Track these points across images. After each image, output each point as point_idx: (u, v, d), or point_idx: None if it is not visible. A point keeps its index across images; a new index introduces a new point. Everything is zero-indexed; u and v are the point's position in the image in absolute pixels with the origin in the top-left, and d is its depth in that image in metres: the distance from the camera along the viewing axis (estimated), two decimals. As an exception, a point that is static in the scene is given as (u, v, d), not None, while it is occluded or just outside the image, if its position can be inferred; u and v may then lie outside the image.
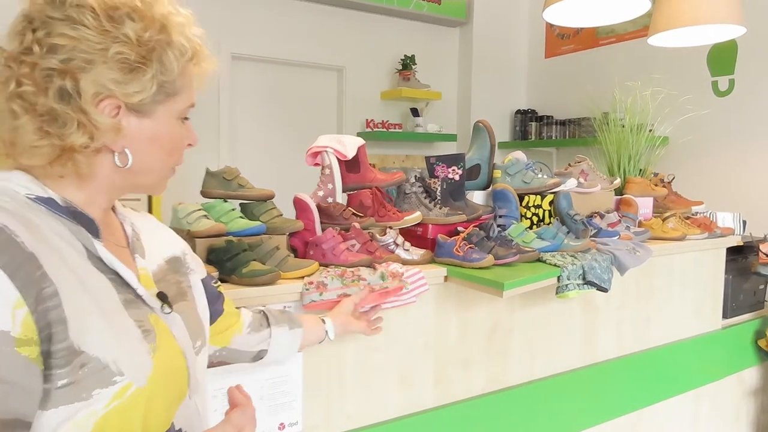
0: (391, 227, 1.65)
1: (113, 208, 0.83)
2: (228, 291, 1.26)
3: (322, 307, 1.32)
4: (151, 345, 0.72)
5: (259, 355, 1.08)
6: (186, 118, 0.82)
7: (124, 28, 0.70)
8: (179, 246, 0.92)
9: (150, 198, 2.73)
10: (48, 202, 0.70)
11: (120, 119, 0.74)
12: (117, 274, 0.73)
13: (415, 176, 1.84)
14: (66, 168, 0.71)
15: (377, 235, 1.62)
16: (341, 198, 1.73)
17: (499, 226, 1.80)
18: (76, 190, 0.73)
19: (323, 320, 1.21)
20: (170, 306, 0.79)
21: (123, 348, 0.69)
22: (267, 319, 1.10)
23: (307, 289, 1.33)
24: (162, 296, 0.79)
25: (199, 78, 0.80)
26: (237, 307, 1.09)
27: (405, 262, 1.56)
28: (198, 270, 0.93)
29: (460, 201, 1.89)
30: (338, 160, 1.73)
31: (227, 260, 1.32)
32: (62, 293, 0.64)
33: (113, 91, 0.72)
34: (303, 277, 1.37)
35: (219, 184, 1.54)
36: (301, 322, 1.16)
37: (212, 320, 0.97)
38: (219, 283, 1.00)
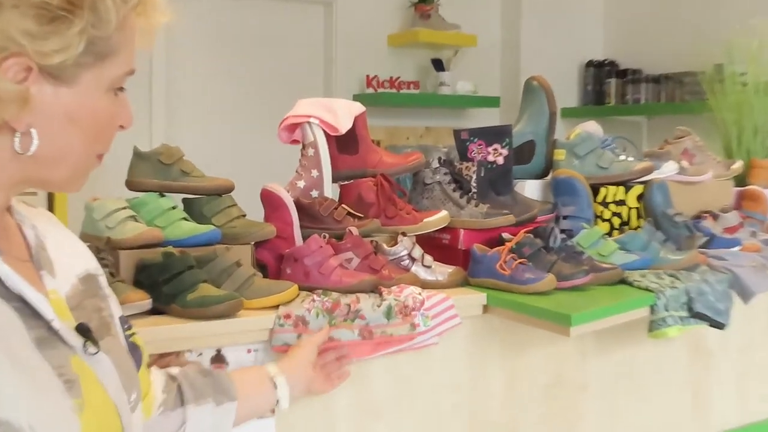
0: (404, 233, 1.65)
1: (9, 208, 0.83)
2: (164, 328, 1.26)
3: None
4: (76, 400, 0.75)
5: None
6: (120, 89, 0.83)
7: None
8: (91, 260, 0.93)
9: (51, 192, 2.76)
10: None
11: (28, 86, 0.74)
12: (23, 300, 0.75)
13: (440, 159, 1.84)
14: None
15: (384, 246, 1.62)
16: (331, 191, 1.73)
17: (563, 231, 1.80)
18: None
19: (274, 380, 1.20)
20: (95, 343, 0.80)
21: (41, 407, 0.70)
22: (181, 391, 1.08)
23: (280, 325, 1.34)
24: (83, 330, 0.79)
25: (144, 34, 0.81)
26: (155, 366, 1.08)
27: (425, 285, 1.56)
28: (114, 299, 0.94)
29: (506, 195, 1.88)
30: (326, 135, 1.73)
31: (164, 282, 1.33)
32: None
33: (24, 47, 0.72)
34: (277, 306, 1.38)
35: (153, 171, 1.54)
36: (237, 389, 1.13)
37: None
38: (134, 332, 0.96)
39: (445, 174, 1.80)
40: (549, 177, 2.02)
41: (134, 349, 0.95)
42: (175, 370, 1.12)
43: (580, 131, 2.02)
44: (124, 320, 0.95)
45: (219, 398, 1.10)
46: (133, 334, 0.96)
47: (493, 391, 1.60)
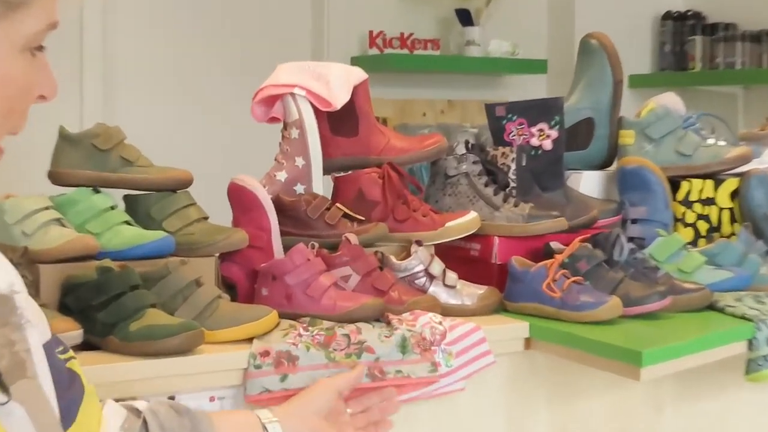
0: (419, 242, 1.65)
1: None
2: (98, 368, 1.26)
3: (280, 402, 1.31)
4: None
5: None
6: (39, 49, 0.84)
7: None
8: (4, 275, 0.93)
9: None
10: None
11: None
12: None
13: (467, 143, 1.84)
14: None
15: (392, 259, 1.62)
16: (322, 185, 1.74)
17: (631, 239, 1.79)
18: None
19: (265, 427, 1.19)
20: (5, 390, 0.81)
21: None
22: (146, 429, 1.07)
23: (257, 366, 1.34)
24: None
25: None
26: (101, 400, 1.08)
27: (448, 311, 1.56)
28: (38, 324, 0.93)
29: (555, 191, 1.88)
30: (316, 111, 1.74)
31: (100, 307, 1.33)
32: None
33: None
34: (251, 340, 1.38)
35: (85, 159, 1.55)
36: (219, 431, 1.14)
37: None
38: (71, 357, 0.97)
39: (475, 163, 1.80)
40: (613, 167, 2.02)
41: (72, 379, 0.95)
42: (141, 404, 1.12)
43: (654, 106, 2.02)
44: (57, 342, 0.95)
45: None
46: (70, 358, 0.96)
47: (537, 453, 1.60)
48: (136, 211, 1.55)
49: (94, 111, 3.52)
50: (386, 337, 1.41)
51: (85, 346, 1.31)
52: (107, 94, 3.65)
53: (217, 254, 1.55)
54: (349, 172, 1.77)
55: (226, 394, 1.35)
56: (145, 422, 1.09)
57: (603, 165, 2.04)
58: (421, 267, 1.60)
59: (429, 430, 1.50)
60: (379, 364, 1.39)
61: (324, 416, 1.27)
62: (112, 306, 1.32)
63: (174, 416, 1.11)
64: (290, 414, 1.24)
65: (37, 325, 0.93)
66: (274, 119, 1.77)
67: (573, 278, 1.59)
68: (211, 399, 1.34)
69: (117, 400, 1.12)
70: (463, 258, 1.76)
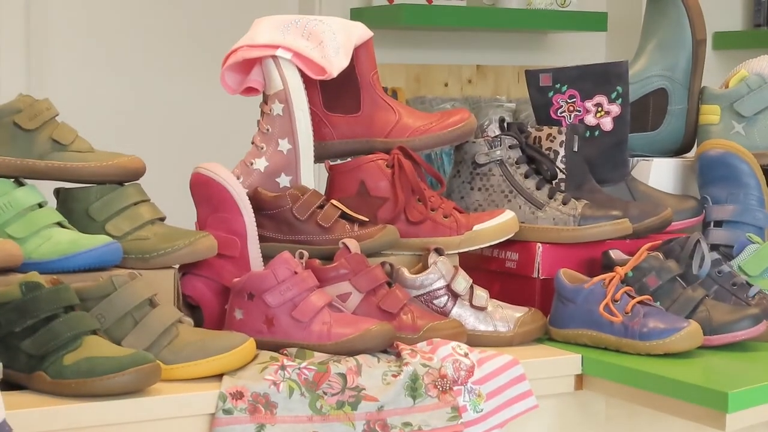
0: (440, 250, 1.66)
1: None
2: (23, 414, 1.26)
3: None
4: None
5: None
6: None
7: None
8: None
9: None
10: None
11: None
12: None
13: (502, 122, 1.85)
14: None
15: (405, 272, 1.62)
16: (312, 177, 1.74)
17: (715, 247, 1.79)
18: None
19: None
20: None
21: None
22: None
23: (226, 411, 1.34)
24: None
25: None
26: None
27: (477, 341, 1.57)
28: None
29: (617, 184, 1.88)
30: (306, 80, 1.75)
31: (25, 334, 1.33)
32: None
33: None
34: (220, 377, 1.38)
35: (3, 141, 1.55)
36: None
37: None
38: None
39: (512, 147, 1.80)
40: (692, 153, 2.02)
41: None
42: None
43: (746, 74, 2.02)
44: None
45: None
46: None
47: None
48: (72, 210, 1.55)
49: (15, 79, 3.51)
50: (393, 376, 1.42)
51: (5, 384, 1.31)
52: (32, 56, 3.64)
53: (177, 266, 1.55)
54: (349, 159, 1.78)
55: (188, 450, 1.35)
56: None
57: (679, 150, 2.04)
58: (441, 283, 1.60)
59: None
60: (383, 416, 1.39)
61: None
62: (41, 333, 1.32)
63: None
64: None
65: None
66: (250, 90, 1.78)
67: (639, 298, 1.59)
68: (169, 454, 1.34)
69: None
70: (497, 271, 1.77)
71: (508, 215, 1.72)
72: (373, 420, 1.39)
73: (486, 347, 1.54)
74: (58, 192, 1.60)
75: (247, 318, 1.49)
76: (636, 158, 1.98)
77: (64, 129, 1.59)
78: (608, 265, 1.69)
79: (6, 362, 1.31)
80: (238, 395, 1.35)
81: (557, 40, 4.35)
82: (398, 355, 1.46)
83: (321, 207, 1.65)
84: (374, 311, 1.53)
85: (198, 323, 1.53)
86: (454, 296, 1.61)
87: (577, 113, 1.87)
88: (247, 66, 1.76)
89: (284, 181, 1.71)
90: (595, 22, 4.18)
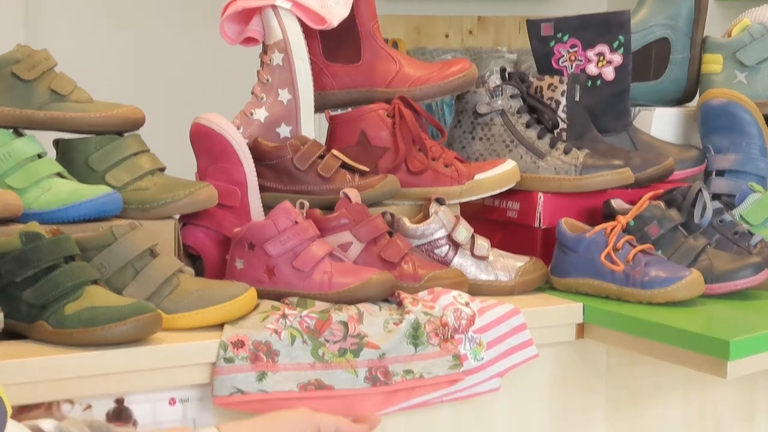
0: (441, 200, 1.65)
1: None
2: (25, 363, 1.26)
3: (256, 408, 1.32)
4: None
5: None
6: None
7: None
8: None
9: None
10: None
11: None
12: None
13: (503, 71, 1.84)
14: None
15: (406, 222, 1.62)
16: (313, 127, 1.74)
17: (716, 197, 1.78)
18: None
19: None
20: None
21: None
22: None
23: (228, 360, 1.34)
24: None
25: None
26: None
27: (477, 290, 1.57)
28: None
29: (619, 133, 1.88)
30: (306, 30, 1.73)
31: (26, 284, 1.33)
32: None
33: None
34: (221, 326, 1.38)
35: (2, 92, 1.54)
36: None
37: None
38: None
39: (513, 97, 1.79)
40: (694, 103, 2.01)
41: None
42: (48, 425, 1.13)
43: (749, 23, 2.00)
44: None
45: None
46: None
47: (594, 473, 1.61)
48: (72, 161, 1.54)
49: (12, 28, 3.50)
50: (395, 324, 1.41)
51: (6, 334, 1.31)
52: (30, 7, 3.63)
53: (178, 216, 1.55)
54: (349, 109, 1.77)
55: (190, 395, 1.35)
56: None
57: (681, 100, 2.03)
58: (442, 232, 1.60)
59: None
60: (384, 363, 1.39)
61: None
62: (42, 283, 1.32)
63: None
64: None
65: None
66: (250, 40, 1.76)
67: (640, 247, 1.59)
68: (171, 401, 1.34)
69: (25, 419, 1.13)
70: (498, 221, 1.76)
71: (509, 165, 1.71)
72: (375, 367, 1.39)
73: (487, 296, 1.54)
74: (57, 143, 1.59)
75: (248, 268, 1.49)
76: (638, 108, 1.97)
77: (63, 79, 1.58)
78: (610, 215, 1.68)
79: (7, 312, 1.31)
80: (240, 344, 1.35)
81: (558, -10, 4.32)
82: (400, 304, 1.46)
83: (321, 157, 1.64)
84: (375, 261, 1.53)
85: (199, 273, 1.53)
86: (456, 246, 1.60)
87: (579, 63, 1.86)
88: (246, 16, 1.74)
89: (284, 131, 1.70)
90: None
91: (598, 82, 1.85)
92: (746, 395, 1.72)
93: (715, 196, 1.77)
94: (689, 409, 1.68)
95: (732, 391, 1.69)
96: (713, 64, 1.97)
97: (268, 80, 1.72)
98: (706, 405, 1.69)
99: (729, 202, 1.79)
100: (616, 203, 1.70)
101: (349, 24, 1.75)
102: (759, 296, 1.61)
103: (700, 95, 1.98)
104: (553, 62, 1.87)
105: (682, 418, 1.67)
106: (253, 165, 1.61)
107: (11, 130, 1.53)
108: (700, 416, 1.69)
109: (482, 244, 1.62)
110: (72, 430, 1.13)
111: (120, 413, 1.31)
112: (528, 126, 1.78)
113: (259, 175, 1.62)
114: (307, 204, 1.55)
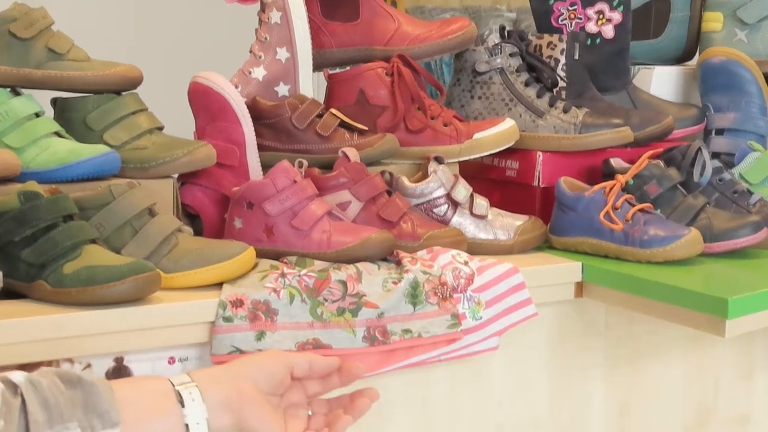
0: (440, 159, 1.65)
1: None
2: (24, 322, 1.26)
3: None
4: None
5: None
6: None
7: None
8: None
9: None
10: None
11: None
12: None
13: (502, 30, 1.83)
14: None
15: (405, 181, 1.62)
16: (311, 86, 1.73)
17: (716, 155, 1.78)
18: None
19: (180, 393, 1.16)
20: None
21: None
22: (25, 411, 1.07)
23: (226, 319, 1.34)
24: None
25: None
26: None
27: (477, 248, 1.57)
28: None
29: (618, 92, 1.87)
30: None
31: (25, 243, 1.33)
32: None
33: None
34: (220, 285, 1.39)
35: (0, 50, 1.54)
36: (121, 408, 1.12)
37: None
38: None
39: (512, 56, 1.79)
40: (694, 61, 2.00)
41: None
42: (17, 376, 1.12)
43: (750, -22, 1.99)
44: None
45: (90, 422, 1.10)
46: None
47: (593, 428, 1.61)
48: (69, 120, 1.54)
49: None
50: (394, 283, 1.41)
51: (5, 293, 1.31)
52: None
53: (176, 175, 1.55)
54: (348, 68, 1.76)
55: (189, 354, 1.35)
56: (23, 401, 1.09)
57: (681, 58, 2.02)
58: (441, 191, 1.60)
59: (450, 403, 1.51)
60: (383, 323, 1.39)
61: (265, 393, 1.24)
62: (41, 242, 1.32)
63: (61, 389, 1.11)
64: (217, 380, 1.20)
65: None
66: (247, -1, 1.76)
67: (640, 206, 1.59)
68: (171, 360, 1.35)
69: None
70: (497, 180, 1.76)
71: (508, 123, 1.71)
72: (373, 326, 1.39)
73: (486, 255, 1.54)
74: (55, 102, 1.58)
75: (247, 227, 1.49)
76: (637, 66, 1.96)
77: (60, 38, 1.57)
78: (609, 173, 1.68)
79: (6, 271, 1.31)
80: (238, 303, 1.35)
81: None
82: (398, 263, 1.46)
83: (320, 116, 1.64)
84: (374, 220, 1.53)
85: (197, 232, 1.53)
86: (454, 205, 1.60)
87: (579, 21, 1.85)
88: (244, -27, 1.73)
89: (283, 90, 1.70)
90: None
91: (598, 41, 1.84)
92: (745, 354, 1.72)
93: (715, 155, 1.77)
94: (688, 367, 1.69)
95: (730, 349, 1.70)
96: (713, 22, 1.96)
97: (266, 39, 1.71)
98: (704, 363, 1.70)
99: (728, 161, 1.80)
100: (616, 162, 1.70)
101: (349, -20, 1.74)
102: (758, 255, 1.61)
103: (700, 53, 1.97)
104: (552, 20, 1.86)
105: (680, 376, 1.68)
106: (252, 124, 1.60)
107: (8, 89, 1.52)
108: (699, 375, 1.69)
109: (481, 203, 1.62)
110: (42, 380, 1.12)
111: (119, 372, 1.32)
112: (527, 84, 1.77)
113: (258, 134, 1.61)
114: (305, 163, 1.54)
